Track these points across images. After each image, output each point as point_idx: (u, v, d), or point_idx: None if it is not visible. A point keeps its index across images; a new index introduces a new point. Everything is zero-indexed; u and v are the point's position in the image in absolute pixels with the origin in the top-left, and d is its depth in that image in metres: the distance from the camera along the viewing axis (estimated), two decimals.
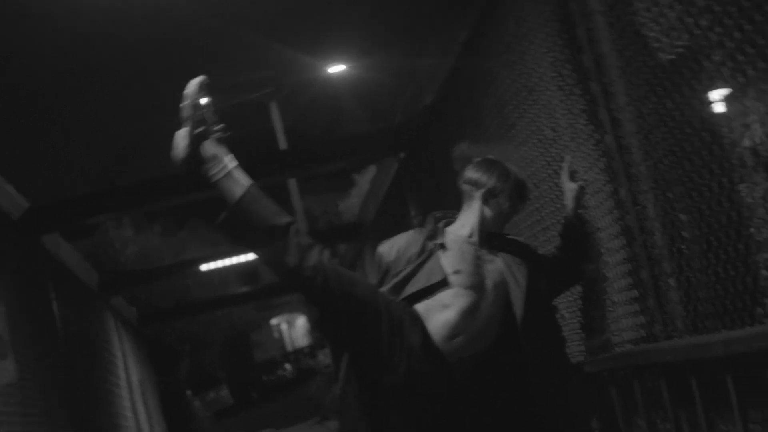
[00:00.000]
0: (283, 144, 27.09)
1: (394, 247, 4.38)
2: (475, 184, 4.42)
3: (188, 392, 23.09)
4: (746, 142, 3.14)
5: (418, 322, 4.13)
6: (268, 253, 4.07)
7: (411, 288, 4.22)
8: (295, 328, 42.01)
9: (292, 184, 29.90)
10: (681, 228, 3.77)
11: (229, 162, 4.04)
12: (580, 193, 4.54)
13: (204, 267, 16.34)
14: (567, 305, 4.98)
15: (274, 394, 33.62)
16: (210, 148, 4.03)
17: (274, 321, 41.05)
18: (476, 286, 4.23)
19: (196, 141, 4.02)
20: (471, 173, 4.46)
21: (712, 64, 3.30)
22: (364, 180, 22.47)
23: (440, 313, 4.15)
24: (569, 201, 4.56)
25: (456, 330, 4.15)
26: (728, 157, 3.35)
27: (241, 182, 4.02)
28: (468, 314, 4.17)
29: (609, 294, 4.47)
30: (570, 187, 4.56)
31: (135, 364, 14.80)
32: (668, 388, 3.89)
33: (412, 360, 4.08)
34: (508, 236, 4.57)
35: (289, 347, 41.20)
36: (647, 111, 3.87)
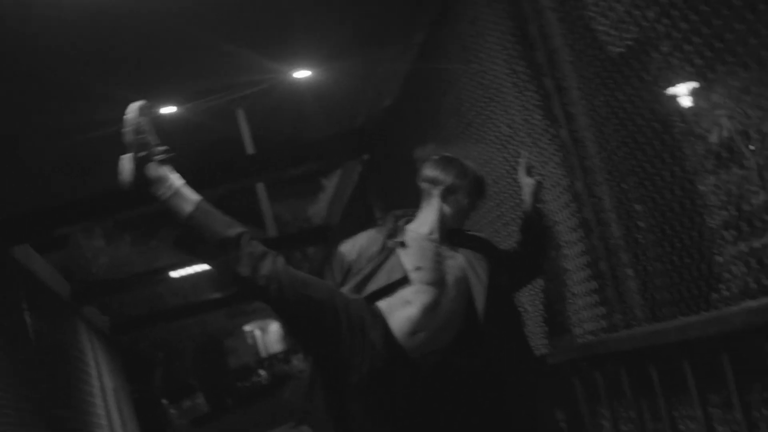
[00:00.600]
0: (250, 149, 27.13)
1: (355, 247, 4.43)
2: (434, 182, 4.46)
3: (164, 401, 23.05)
4: (714, 138, 3.18)
5: (379, 319, 4.17)
6: (221, 264, 4.16)
7: (372, 286, 4.26)
8: (268, 334, 41.94)
9: (261, 190, 29.96)
10: (636, 218, 3.82)
11: (176, 181, 4.14)
12: (538, 187, 4.58)
13: (174, 274, 16.32)
14: (529, 299, 5.02)
15: (250, 400, 33.55)
16: (155, 169, 4.13)
17: (247, 327, 40.98)
18: (437, 282, 4.27)
19: (140, 164, 4.12)
20: (429, 171, 4.50)
21: (660, 55, 3.35)
22: (332, 184, 22.52)
23: (402, 310, 4.19)
24: (527, 196, 4.60)
25: (418, 326, 4.19)
26: (680, 146, 3.40)
27: (189, 199, 4.12)
28: (429, 310, 4.21)
29: (569, 286, 4.51)
30: (527, 183, 4.60)
31: (108, 373, 14.77)
32: (629, 376, 3.94)
33: (374, 358, 4.12)
34: (469, 232, 4.61)
35: (263, 353, 41.14)
36: (599, 104, 3.92)
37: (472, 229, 4.77)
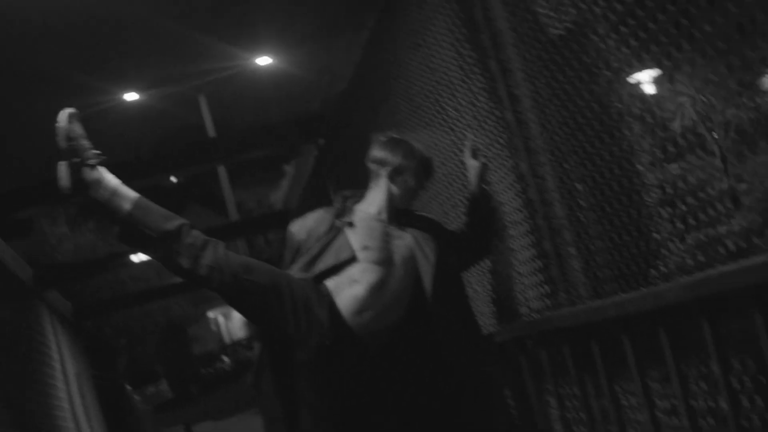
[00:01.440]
0: (212, 135, 27.16)
1: (304, 226, 4.50)
2: (381, 163, 4.53)
3: (128, 387, 22.99)
4: (676, 125, 3.23)
5: (325, 298, 4.24)
6: (163, 258, 4.21)
7: (321, 265, 4.33)
8: (232, 321, 41.91)
9: (223, 177, 29.93)
10: (578, 197, 3.88)
11: (112, 181, 4.22)
12: (483, 169, 4.64)
13: (136, 259, 16.31)
14: (478, 278, 5.08)
15: (213, 386, 33.59)
16: (90, 173, 4.19)
17: (210, 314, 40.96)
18: (384, 261, 4.34)
19: (76, 170, 4.19)
20: (376, 152, 4.57)
21: (598, 37, 3.41)
22: (293, 170, 22.59)
23: (349, 289, 4.27)
24: (473, 178, 4.66)
25: (364, 305, 4.26)
26: (618, 126, 3.47)
27: (127, 197, 4.20)
28: (376, 289, 4.28)
29: (515, 266, 4.57)
30: (473, 164, 4.66)
31: (71, 358, 14.71)
32: (572, 353, 4.00)
33: (321, 336, 4.19)
34: (417, 213, 4.67)
35: (226, 340, 41.16)
36: (541, 86, 3.98)
37: (420, 209, 4.84)
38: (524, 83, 4.15)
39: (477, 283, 5.11)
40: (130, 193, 4.21)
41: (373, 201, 4.54)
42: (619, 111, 3.41)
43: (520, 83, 4.18)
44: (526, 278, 4.46)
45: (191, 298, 31.04)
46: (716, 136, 3.09)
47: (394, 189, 4.52)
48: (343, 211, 4.50)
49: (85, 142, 4.22)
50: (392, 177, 4.52)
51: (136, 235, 4.21)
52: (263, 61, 27.85)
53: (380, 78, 6.33)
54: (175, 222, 4.18)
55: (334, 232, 4.42)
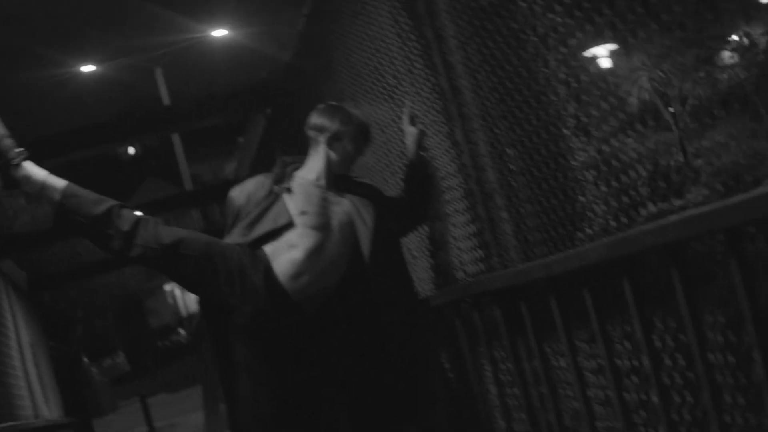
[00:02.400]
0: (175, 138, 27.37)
1: (243, 192, 4.56)
2: (320, 129, 4.59)
3: (85, 359, 22.96)
4: (633, 99, 3.26)
5: (259, 262, 4.30)
6: (97, 241, 4.34)
7: (259, 230, 4.39)
8: (188, 294, 41.76)
9: (179, 150, 29.93)
10: (508, 162, 3.93)
11: (38, 174, 4.33)
12: (420, 136, 4.69)
13: None
14: (416, 244, 5.13)
15: (170, 359, 33.59)
16: (17, 171, 4.30)
17: (167, 287, 40.87)
18: (322, 226, 4.40)
19: (3, 170, 4.31)
20: (314, 119, 4.63)
21: (525, 4, 3.46)
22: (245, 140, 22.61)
23: (287, 253, 4.33)
24: (410, 144, 4.72)
25: (301, 269, 4.32)
26: (544, 90, 3.52)
27: (56, 187, 4.29)
28: (313, 254, 4.34)
29: (452, 231, 4.62)
30: (410, 131, 4.72)
31: (26, 328, 14.68)
32: (503, 315, 4.06)
33: (256, 300, 4.24)
34: (356, 179, 4.72)
35: (183, 313, 41.07)
36: (473, 52, 4.02)
37: (360, 176, 4.89)
38: (457, 50, 4.19)
39: (416, 249, 5.16)
40: (59, 183, 4.31)
41: (312, 167, 4.60)
42: (545, 76, 3.46)
43: (453, 50, 4.22)
44: (461, 242, 4.51)
45: (147, 271, 31.01)
46: (672, 111, 3.13)
47: (333, 155, 4.58)
48: (282, 177, 4.56)
49: (8, 141, 4.32)
50: (330, 143, 4.57)
51: (69, 221, 4.31)
52: (219, 33, 27.82)
53: (323, 47, 6.35)
54: (104, 205, 4.30)
55: (272, 197, 4.48)
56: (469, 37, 4.02)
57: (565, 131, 3.44)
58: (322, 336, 4.42)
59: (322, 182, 4.56)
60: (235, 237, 4.42)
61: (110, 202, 4.29)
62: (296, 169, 4.64)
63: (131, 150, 45.28)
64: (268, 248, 4.36)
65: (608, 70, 3.24)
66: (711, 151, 2.92)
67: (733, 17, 2.89)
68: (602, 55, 3.37)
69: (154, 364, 34.05)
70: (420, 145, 4.70)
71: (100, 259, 23.79)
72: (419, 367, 4.60)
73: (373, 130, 4.87)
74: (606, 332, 3.30)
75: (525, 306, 3.79)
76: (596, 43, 3.23)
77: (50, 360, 16.79)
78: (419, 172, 4.72)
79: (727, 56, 2.96)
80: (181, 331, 37.32)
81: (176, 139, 30.16)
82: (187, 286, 4.64)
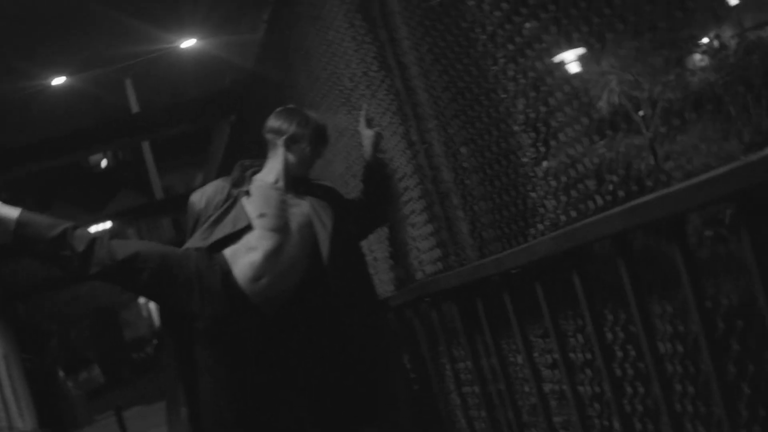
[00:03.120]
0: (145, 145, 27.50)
1: (203, 196, 4.59)
2: (277, 132, 4.61)
3: (61, 373, 22.89)
4: (603, 103, 3.28)
5: (217, 267, 4.32)
6: (55, 264, 4.44)
7: (218, 233, 4.41)
8: None
9: (150, 162, 29.95)
10: (462, 160, 3.95)
11: None
12: (377, 138, 4.73)
13: None
14: (378, 246, 5.16)
15: (145, 371, 33.52)
16: None
17: (141, 300, 40.83)
18: (281, 228, 4.43)
19: None
20: (272, 122, 4.66)
21: (474, 2, 3.48)
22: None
23: (245, 256, 4.35)
24: (368, 147, 4.75)
25: (260, 271, 4.35)
26: (494, 88, 3.54)
27: (10, 218, 4.34)
28: (272, 256, 4.37)
29: (411, 231, 4.64)
30: (367, 134, 4.76)
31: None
32: (460, 313, 4.07)
33: (216, 304, 4.27)
34: (315, 181, 4.75)
35: (157, 325, 41.07)
36: (424, 52, 4.05)
37: (319, 178, 4.91)
38: (410, 51, 4.21)
39: (378, 250, 5.19)
40: (12, 212, 4.35)
41: (271, 170, 4.63)
42: (494, 74, 3.48)
43: (406, 51, 4.25)
44: (420, 243, 4.53)
45: None
46: (642, 114, 3.15)
47: (291, 157, 4.60)
48: (241, 181, 4.58)
49: None
50: (288, 145, 4.60)
51: (26, 247, 4.39)
52: (188, 43, 27.83)
53: (283, 53, 6.38)
54: (58, 229, 4.34)
55: (231, 200, 4.50)
56: (421, 38, 4.05)
57: (516, 127, 3.46)
58: (282, 338, 4.43)
59: (281, 184, 4.58)
60: (195, 241, 4.45)
61: (64, 225, 4.35)
62: (255, 172, 4.67)
63: (104, 163, 45.32)
64: (228, 251, 4.39)
65: (575, 75, 3.27)
66: (682, 154, 2.94)
67: (704, 19, 2.92)
68: (570, 60, 3.38)
69: (130, 377, 33.98)
70: (377, 147, 4.73)
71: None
72: (379, 369, 4.61)
73: (331, 133, 4.89)
74: (559, 326, 3.31)
75: (481, 303, 3.81)
76: (563, 48, 3.25)
77: (25, 372, 16.78)
78: (377, 174, 4.75)
79: (697, 59, 2.99)
80: (156, 343, 37.30)
81: (147, 151, 30.21)
82: (148, 296, 4.71)
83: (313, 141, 4.64)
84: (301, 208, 4.54)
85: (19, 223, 4.32)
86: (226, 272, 4.33)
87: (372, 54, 4.59)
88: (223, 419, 4.45)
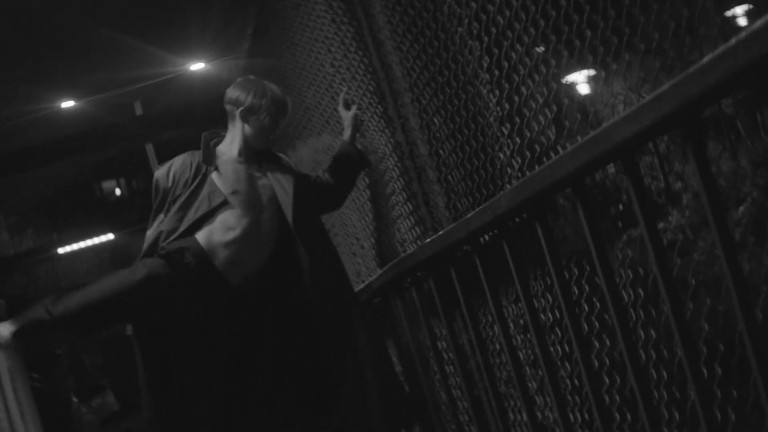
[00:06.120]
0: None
1: (170, 173, 4.53)
2: (234, 103, 4.59)
3: (75, 399, 22.92)
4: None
5: (189, 259, 4.31)
6: (56, 341, 4.57)
7: (196, 213, 4.36)
8: None
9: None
10: (435, 130, 3.93)
11: None
12: (356, 119, 4.71)
13: (61, 250, 16.31)
14: (363, 233, 5.14)
15: None
16: None
17: None
18: (255, 204, 4.40)
19: None
20: (230, 93, 4.64)
21: None
22: None
23: (224, 236, 4.31)
24: (348, 128, 4.73)
25: (241, 253, 4.35)
26: (461, 52, 3.53)
27: (4, 335, 4.42)
28: (251, 234, 4.34)
29: (392, 211, 4.62)
30: (347, 116, 4.75)
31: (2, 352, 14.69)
32: (436, 284, 4.02)
33: (198, 302, 4.28)
34: (274, 152, 4.73)
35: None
36: (397, 23, 4.04)
37: (278, 150, 4.92)
38: (385, 25, 4.21)
39: (364, 238, 5.16)
40: (5, 332, 4.44)
41: (232, 141, 4.58)
42: (461, 35, 3.47)
43: (382, 26, 4.24)
44: (401, 222, 4.51)
45: None
46: None
47: (248, 129, 4.55)
48: (210, 156, 4.51)
49: None
50: (245, 116, 4.55)
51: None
52: (197, 66, 27.99)
53: (273, 44, 6.38)
54: (42, 306, 4.40)
55: (200, 177, 4.46)
56: (392, 8, 4.04)
57: (482, 88, 3.44)
58: (254, 313, 4.42)
59: (243, 158, 4.55)
60: (169, 222, 4.39)
61: (43, 299, 4.43)
62: (217, 144, 4.63)
63: (117, 191, 45.51)
64: (201, 234, 4.34)
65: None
66: (691, 174, 2.91)
67: (713, 40, 2.88)
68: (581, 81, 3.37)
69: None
70: (356, 128, 4.71)
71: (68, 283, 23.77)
72: (349, 342, 4.52)
73: (291, 104, 4.80)
74: (528, 287, 3.27)
75: (454, 271, 3.76)
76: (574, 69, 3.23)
77: (34, 392, 16.77)
78: (352, 157, 4.74)
79: None
80: None
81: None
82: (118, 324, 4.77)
83: (270, 112, 4.58)
84: (266, 180, 4.51)
85: (16, 337, 4.42)
86: (202, 259, 4.31)
87: (350, 34, 4.58)
88: (196, 404, 4.44)
